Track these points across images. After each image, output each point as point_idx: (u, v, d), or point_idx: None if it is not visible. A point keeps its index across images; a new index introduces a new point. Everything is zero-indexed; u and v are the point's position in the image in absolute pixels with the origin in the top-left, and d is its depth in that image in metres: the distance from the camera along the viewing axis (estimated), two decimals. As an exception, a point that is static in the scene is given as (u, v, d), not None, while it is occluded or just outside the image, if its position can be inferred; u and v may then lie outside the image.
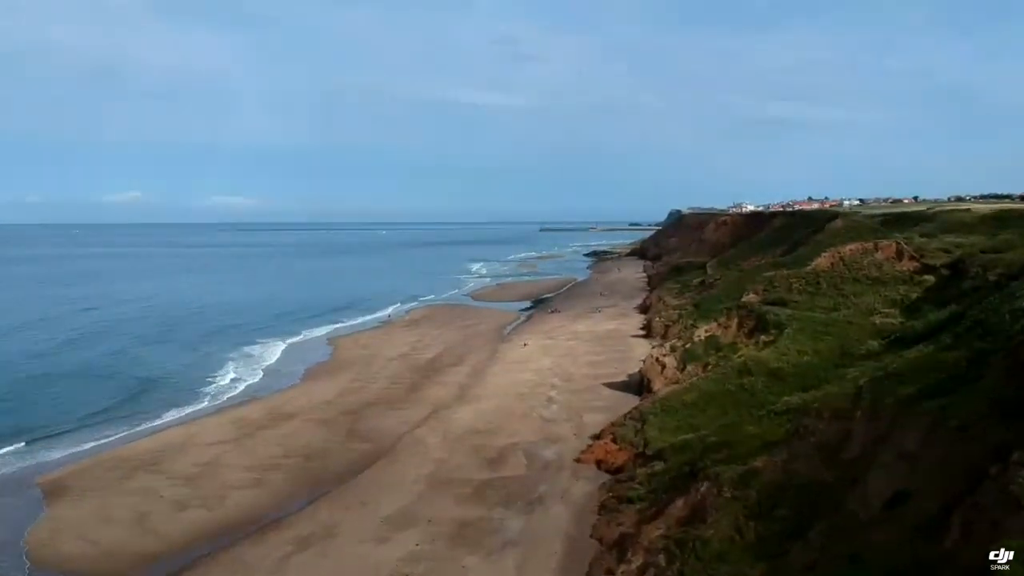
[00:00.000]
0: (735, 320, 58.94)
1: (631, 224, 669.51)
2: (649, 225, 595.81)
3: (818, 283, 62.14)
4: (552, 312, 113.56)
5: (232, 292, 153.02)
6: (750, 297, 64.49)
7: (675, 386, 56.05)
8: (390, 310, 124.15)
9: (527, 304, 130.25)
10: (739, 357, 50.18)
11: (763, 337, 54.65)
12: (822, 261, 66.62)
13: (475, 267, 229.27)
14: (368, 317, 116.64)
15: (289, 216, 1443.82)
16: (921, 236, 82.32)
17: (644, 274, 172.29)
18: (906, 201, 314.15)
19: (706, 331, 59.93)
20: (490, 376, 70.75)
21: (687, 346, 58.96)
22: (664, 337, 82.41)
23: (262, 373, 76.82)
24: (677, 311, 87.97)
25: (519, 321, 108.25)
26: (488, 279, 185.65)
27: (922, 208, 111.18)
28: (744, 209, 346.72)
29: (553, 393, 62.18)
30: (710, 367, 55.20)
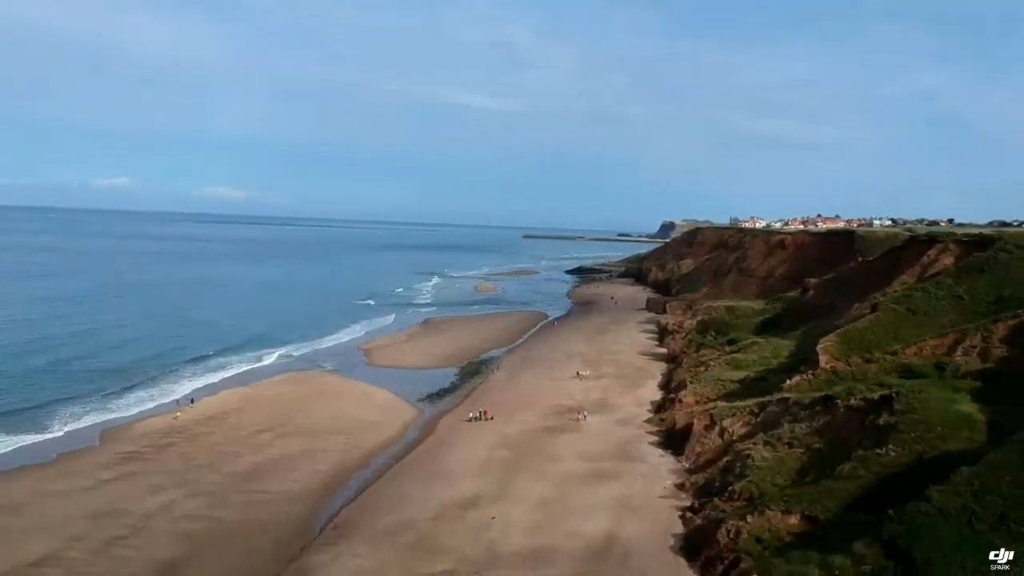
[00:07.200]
0: None
1: (620, 235, 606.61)
2: (640, 236, 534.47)
3: None
4: (478, 419, 52.85)
5: (54, 320, 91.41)
6: None
7: None
8: (195, 387, 64.01)
9: (449, 377, 69.57)
10: None
11: None
12: None
13: (422, 285, 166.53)
14: (136, 410, 56.10)
15: (284, 211, 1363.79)
16: None
17: (651, 316, 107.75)
18: (942, 224, 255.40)
19: None
20: None
21: None
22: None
23: None
24: (782, 497, 27.31)
25: (396, 448, 47.80)
26: (424, 308, 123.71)
27: None
28: (757, 224, 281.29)
29: None
30: None
